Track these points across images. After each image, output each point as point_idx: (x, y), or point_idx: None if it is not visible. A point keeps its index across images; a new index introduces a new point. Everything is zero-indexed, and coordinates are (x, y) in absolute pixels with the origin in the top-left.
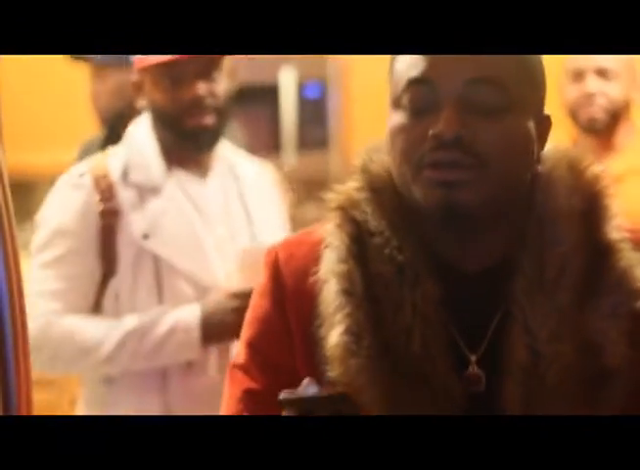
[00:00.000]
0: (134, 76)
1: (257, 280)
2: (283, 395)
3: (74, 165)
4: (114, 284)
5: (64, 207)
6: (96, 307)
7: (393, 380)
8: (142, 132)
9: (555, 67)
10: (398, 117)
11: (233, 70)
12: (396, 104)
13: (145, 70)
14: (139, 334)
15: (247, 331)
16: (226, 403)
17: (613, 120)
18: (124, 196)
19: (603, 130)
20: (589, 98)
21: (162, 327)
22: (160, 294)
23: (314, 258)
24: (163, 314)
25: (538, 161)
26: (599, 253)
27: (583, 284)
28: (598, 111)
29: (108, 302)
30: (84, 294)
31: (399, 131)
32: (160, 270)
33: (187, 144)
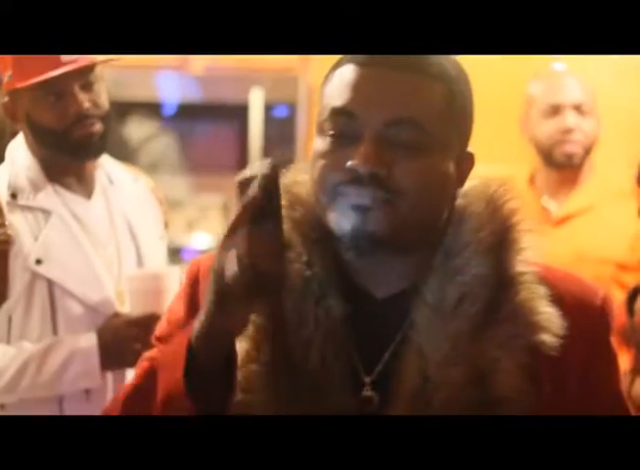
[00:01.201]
0: (4, 98)
1: (146, 305)
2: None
3: None
4: (5, 308)
5: None
6: None
7: (289, 391)
8: (23, 154)
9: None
10: (320, 143)
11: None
12: (320, 129)
13: (20, 90)
14: (37, 363)
15: (159, 329)
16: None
17: (586, 156)
18: (15, 220)
19: (577, 166)
20: (567, 133)
21: (60, 356)
22: (53, 317)
23: None
24: (60, 343)
25: (454, 197)
26: (500, 285)
27: (481, 314)
28: (576, 146)
29: (0, 323)
30: None
31: (319, 157)
32: (53, 293)
33: (73, 157)
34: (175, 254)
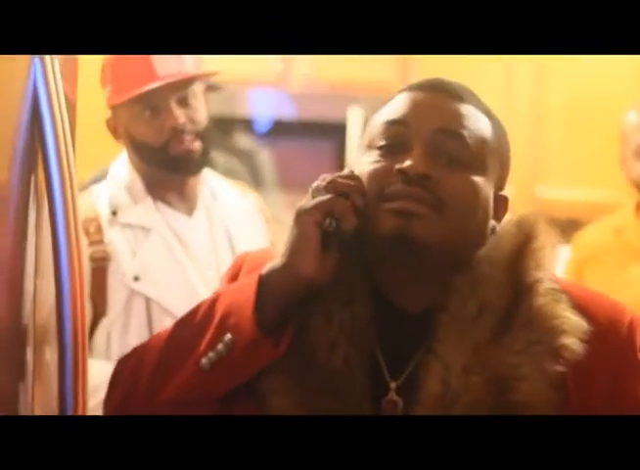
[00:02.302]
0: (107, 115)
1: None
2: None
3: None
4: (105, 323)
5: None
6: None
7: (311, 389)
8: (125, 170)
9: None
10: (369, 157)
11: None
12: (369, 147)
13: (120, 105)
14: None
15: (201, 305)
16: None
17: None
18: (114, 238)
19: None
20: None
21: None
22: (150, 334)
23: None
24: None
25: (493, 230)
26: (519, 293)
27: (500, 322)
28: None
29: (99, 341)
30: None
31: (367, 165)
32: (150, 311)
33: (173, 173)
34: None
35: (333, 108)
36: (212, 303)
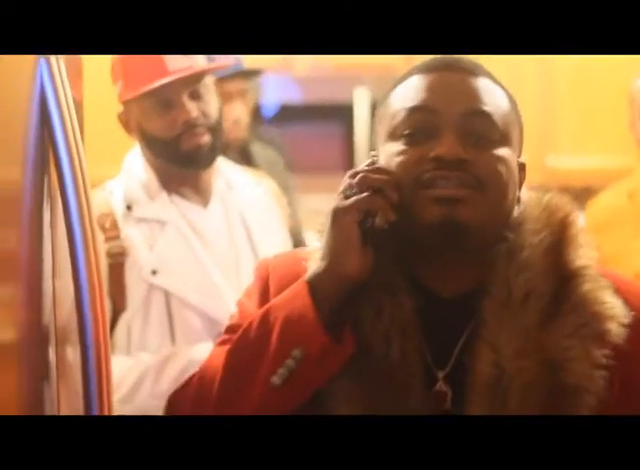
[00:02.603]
0: (119, 110)
1: None
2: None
3: None
4: (125, 319)
5: None
6: None
7: (374, 388)
8: (139, 165)
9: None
10: (394, 146)
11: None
12: (392, 136)
13: (132, 100)
14: (154, 374)
15: (231, 320)
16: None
17: None
18: (130, 233)
19: None
20: None
21: (178, 367)
22: (171, 328)
23: (297, 271)
24: (178, 354)
25: (518, 200)
26: (564, 278)
27: (548, 307)
28: None
29: (119, 336)
30: None
31: (395, 156)
32: (170, 304)
33: (184, 167)
34: None
35: (339, 90)
36: (263, 320)
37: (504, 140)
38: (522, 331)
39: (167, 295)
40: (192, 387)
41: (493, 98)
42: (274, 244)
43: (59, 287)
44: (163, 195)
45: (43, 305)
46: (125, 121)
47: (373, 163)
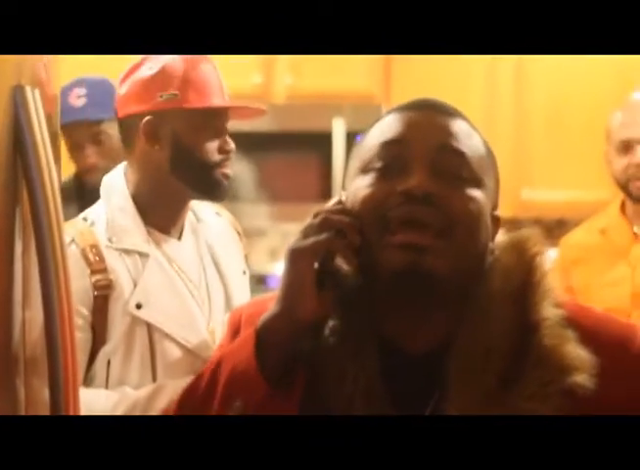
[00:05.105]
0: (147, 117)
1: None
2: None
3: None
4: (105, 352)
5: None
6: (86, 374)
7: None
8: (119, 193)
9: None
10: (364, 180)
11: None
12: (363, 169)
13: (173, 111)
14: (142, 408)
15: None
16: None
17: None
18: (114, 264)
19: None
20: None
21: (165, 400)
22: (152, 362)
23: None
24: (165, 387)
25: (491, 252)
26: (526, 331)
27: (509, 366)
28: None
29: (98, 369)
30: (79, 364)
31: (364, 189)
32: (152, 338)
33: (203, 193)
34: (259, 282)
35: (316, 118)
36: (214, 368)
37: (477, 182)
38: (484, 394)
39: (150, 328)
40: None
41: (469, 140)
42: (238, 272)
43: (28, 317)
44: (142, 226)
45: (13, 334)
46: (153, 130)
47: (340, 202)
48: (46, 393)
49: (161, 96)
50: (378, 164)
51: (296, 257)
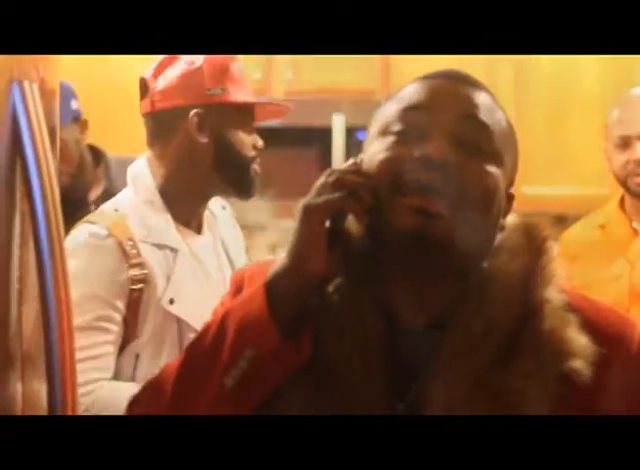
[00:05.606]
0: (195, 108)
1: None
2: None
3: (87, 222)
4: (134, 346)
5: (93, 270)
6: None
7: (324, 400)
8: (147, 187)
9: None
10: (382, 143)
11: None
12: (382, 133)
13: (221, 106)
14: None
15: (208, 328)
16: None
17: None
18: (149, 259)
19: None
20: (638, 164)
21: None
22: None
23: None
24: None
25: (501, 228)
26: (527, 312)
27: (506, 346)
28: None
29: (125, 364)
30: (110, 358)
31: (381, 152)
32: (181, 332)
33: (236, 190)
34: None
35: (316, 114)
36: (221, 321)
37: (496, 157)
38: (475, 372)
39: (180, 324)
40: (150, 389)
41: (493, 114)
42: (244, 264)
43: (25, 312)
44: (171, 221)
45: (9, 330)
46: (200, 123)
47: (355, 163)
48: (44, 391)
49: (209, 90)
50: (397, 128)
51: (308, 213)
